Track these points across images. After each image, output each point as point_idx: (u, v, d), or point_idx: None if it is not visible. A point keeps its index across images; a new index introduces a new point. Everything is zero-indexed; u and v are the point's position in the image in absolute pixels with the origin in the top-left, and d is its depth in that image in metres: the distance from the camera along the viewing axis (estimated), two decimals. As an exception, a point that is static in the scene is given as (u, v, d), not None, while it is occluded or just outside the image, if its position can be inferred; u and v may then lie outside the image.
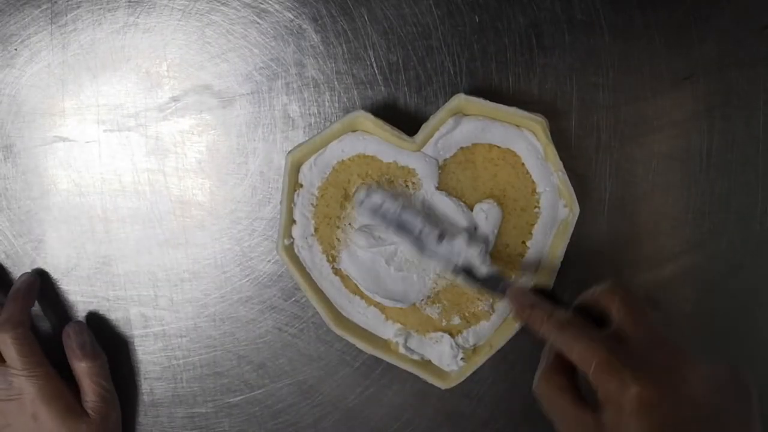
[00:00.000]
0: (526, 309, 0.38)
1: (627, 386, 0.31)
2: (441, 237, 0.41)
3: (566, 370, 0.36)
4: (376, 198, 0.41)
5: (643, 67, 0.44)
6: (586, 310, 0.37)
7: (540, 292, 0.40)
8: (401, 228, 0.41)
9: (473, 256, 0.41)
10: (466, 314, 0.44)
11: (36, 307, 0.47)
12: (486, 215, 0.42)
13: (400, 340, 0.43)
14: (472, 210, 0.42)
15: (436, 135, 0.42)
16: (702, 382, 0.32)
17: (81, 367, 0.44)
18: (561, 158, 0.41)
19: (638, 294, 0.36)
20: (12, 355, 0.42)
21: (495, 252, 0.43)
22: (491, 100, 0.41)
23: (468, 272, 0.41)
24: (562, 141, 0.44)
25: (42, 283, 0.46)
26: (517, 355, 0.47)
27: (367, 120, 0.41)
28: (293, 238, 0.43)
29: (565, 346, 0.35)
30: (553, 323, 0.36)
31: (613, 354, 0.33)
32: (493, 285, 0.41)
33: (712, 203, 0.45)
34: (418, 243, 0.41)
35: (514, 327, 0.43)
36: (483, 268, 0.41)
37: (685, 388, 0.32)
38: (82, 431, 0.43)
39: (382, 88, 0.44)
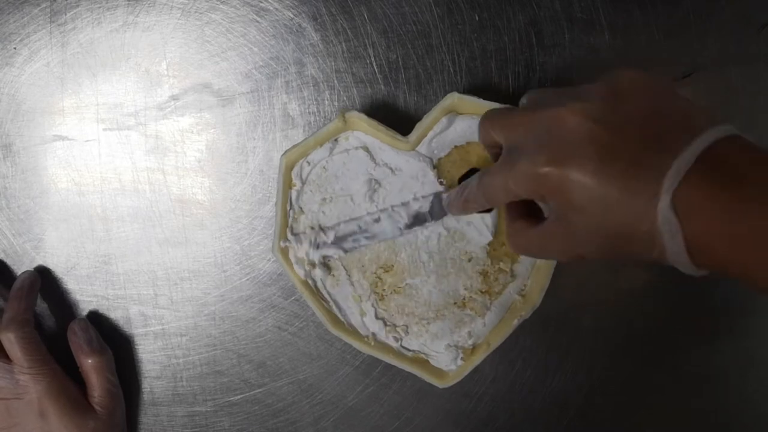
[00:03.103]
0: (460, 203, 0.38)
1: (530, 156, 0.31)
2: (377, 219, 0.42)
3: (522, 215, 0.36)
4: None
5: (642, 65, 0.44)
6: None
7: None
8: (344, 240, 0.43)
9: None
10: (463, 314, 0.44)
11: (37, 306, 0.47)
12: None
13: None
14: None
15: (430, 134, 0.42)
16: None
17: (88, 363, 0.44)
18: (561, 156, 0.41)
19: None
20: (17, 354, 0.42)
21: (491, 251, 0.43)
22: (491, 99, 0.41)
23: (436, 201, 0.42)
24: (561, 139, 0.44)
25: (43, 281, 0.46)
26: (516, 354, 0.47)
27: (360, 120, 0.41)
28: (289, 240, 0.43)
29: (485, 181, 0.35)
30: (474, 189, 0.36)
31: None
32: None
33: (712, 201, 0.45)
34: (374, 234, 0.42)
35: (512, 325, 0.43)
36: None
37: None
38: (90, 427, 0.43)
39: (382, 87, 0.44)
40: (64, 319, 0.47)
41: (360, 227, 0.42)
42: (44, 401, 0.42)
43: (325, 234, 0.42)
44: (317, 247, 0.42)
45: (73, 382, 0.44)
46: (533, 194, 0.31)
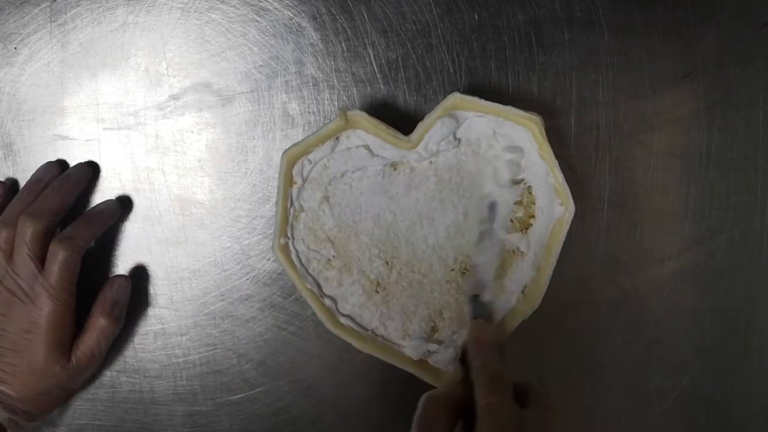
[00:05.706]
0: (483, 346, 0.40)
1: None
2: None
3: (460, 408, 0.37)
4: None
5: (642, 64, 0.44)
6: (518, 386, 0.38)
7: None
8: None
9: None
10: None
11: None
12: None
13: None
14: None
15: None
16: None
17: (99, 323, 0.43)
18: (560, 156, 0.41)
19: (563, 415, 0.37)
20: (53, 271, 0.41)
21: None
22: (491, 99, 0.41)
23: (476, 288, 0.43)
24: (561, 139, 0.44)
25: None
26: (514, 355, 0.47)
27: (362, 119, 0.41)
28: (289, 238, 0.43)
29: (484, 391, 0.36)
30: (490, 372, 0.37)
31: (507, 425, 0.34)
32: (475, 308, 0.43)
33: (712, 201, 0.45)
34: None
35: (510, 327, 0.43)
36: (487, 295, 0.43)
37: None
38: (55, 372, 0.42)
39: (382, 87, 0.44)
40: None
41: None
42: (40, 322, 0.41)
43: None
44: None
45: (74, 322, 0.43)
46: None
